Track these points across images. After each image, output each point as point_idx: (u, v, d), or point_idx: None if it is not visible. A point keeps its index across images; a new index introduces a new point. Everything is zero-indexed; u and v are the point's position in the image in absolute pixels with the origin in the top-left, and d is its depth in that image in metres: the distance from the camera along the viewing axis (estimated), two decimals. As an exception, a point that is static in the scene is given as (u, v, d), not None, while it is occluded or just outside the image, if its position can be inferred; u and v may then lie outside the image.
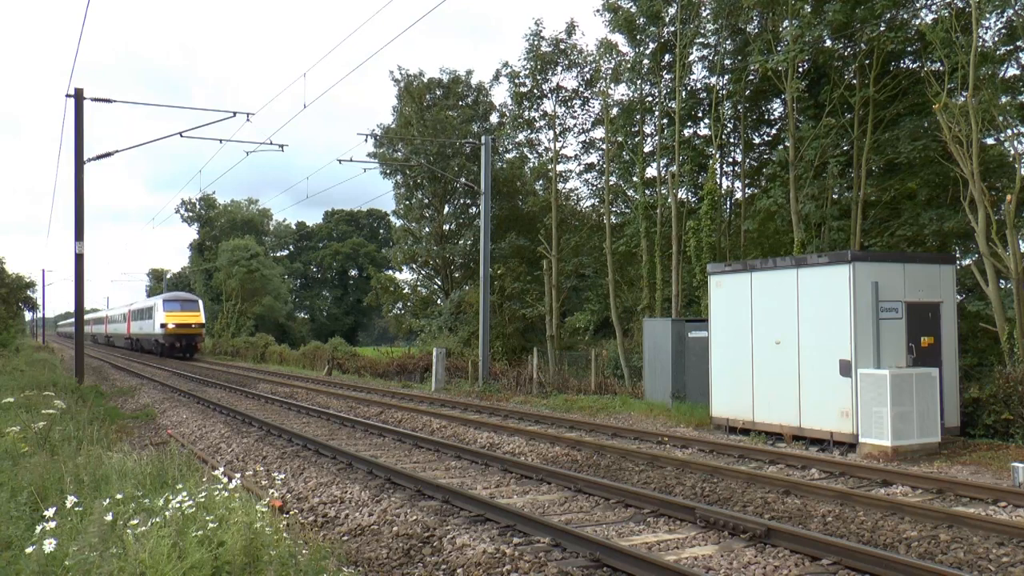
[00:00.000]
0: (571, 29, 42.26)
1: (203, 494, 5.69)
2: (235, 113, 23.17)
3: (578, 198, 46.20)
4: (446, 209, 50.51)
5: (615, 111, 39.32)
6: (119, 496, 5.58)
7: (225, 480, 6.06)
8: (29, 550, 4.47)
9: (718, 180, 31.91)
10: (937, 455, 11.65)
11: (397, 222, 56.73)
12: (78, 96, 22.58)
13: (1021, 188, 16.83)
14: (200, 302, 54.16)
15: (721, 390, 14.44)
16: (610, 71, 38.79)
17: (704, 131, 36.04)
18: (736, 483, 9.58)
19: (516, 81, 43.37)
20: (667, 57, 35.30)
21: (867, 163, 24.90)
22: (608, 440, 13.34)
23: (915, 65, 26.67)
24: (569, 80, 43.28)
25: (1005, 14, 23.53)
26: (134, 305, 66.52)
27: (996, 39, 24.55)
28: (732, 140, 33.79)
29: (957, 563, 6.56)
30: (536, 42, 42.18)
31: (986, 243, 16.90)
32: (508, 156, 48.20)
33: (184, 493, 5.53)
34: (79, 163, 22.59)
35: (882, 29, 24.97)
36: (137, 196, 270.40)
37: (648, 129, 39.11)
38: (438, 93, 50.80)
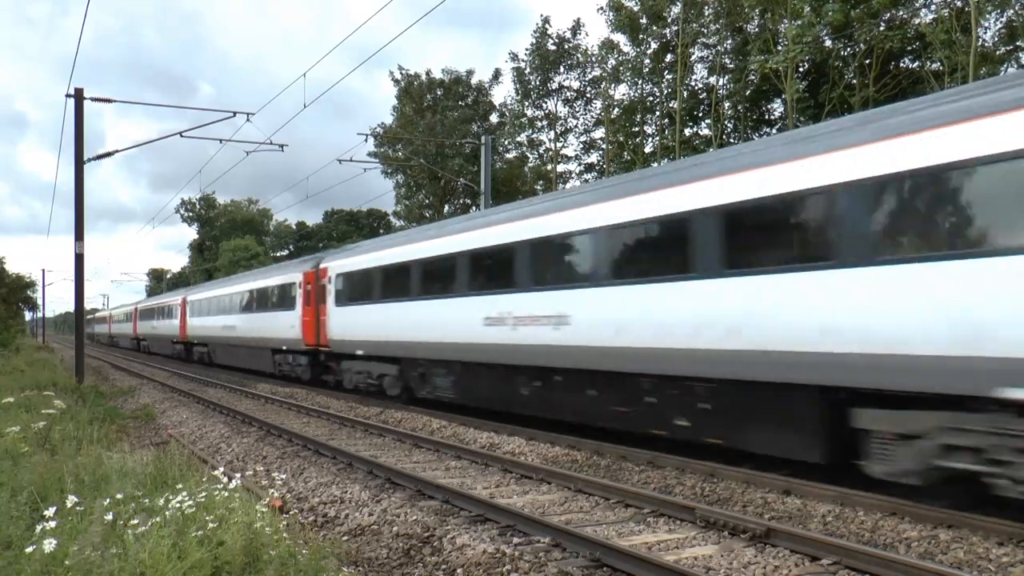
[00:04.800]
0: (576, 29, 42.37)
1: (203, 494, 5.70)
2: (235, 113, 23.17)
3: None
4: (446, 209, 50.51)
5: (616, 111, 39.29)
6: (119, 496, 5.59)
7: (225, 480, 6.07)
8: (29, 550, 4.48)
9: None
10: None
11: (397, 222, 56.77)
12: (78, 96, 22.57)
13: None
14: None
15: None
16: (612, 70, 38.78)
17: (705, 131, 36.07)
18: (736, 483, 9.58)
19: (522, 79, 43.32)
20: (668, 57, 35.31)
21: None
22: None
23: (915, 65, 26.65)
24: (572, 80, 43.37)
25: (1005, 14, 23.51)
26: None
27: (996, 39, 24.51)
28: (733, 140, 33.85)
29: (957, 563, 6.56)
30: (542, 40, 42.27)
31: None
32: (508, 156, 48.21)
33: (184, 493, 5.54)
34: (79, 163, 22.58)
35: (881, 29, 24.94)
36: (139, 196, 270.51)
37: (649, 129, 39.11)
38: (439, 93, 50.80)
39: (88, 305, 66.78)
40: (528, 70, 42.78)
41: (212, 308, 35.72)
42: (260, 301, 28.10)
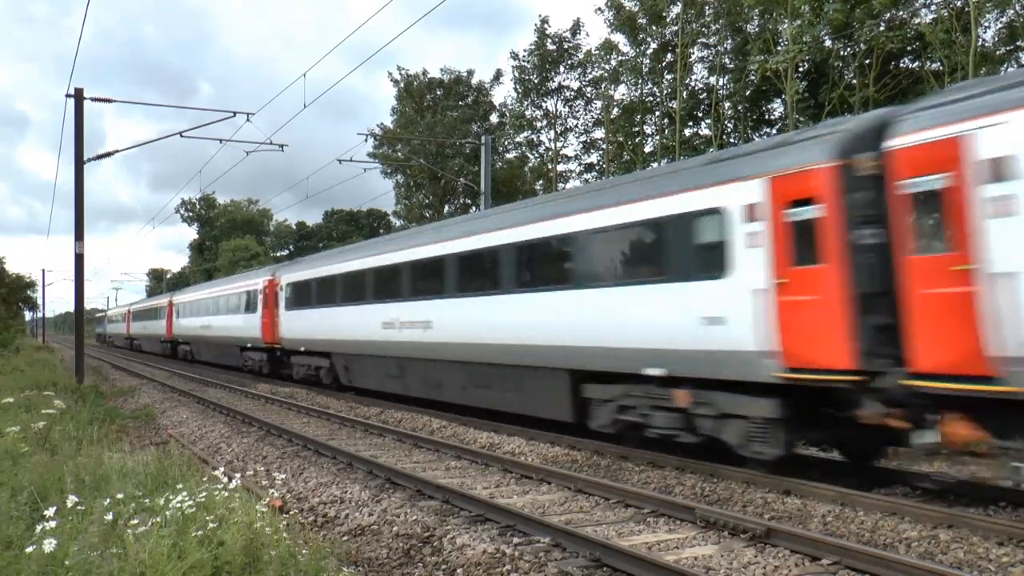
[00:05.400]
0: (576, 28, 42.41)
1: (203, 494, 5.70)
2: (235, 113, 23.17)
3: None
4: (446, 209, 50.51)
5: (616, 111, 39.30)
6: (119, 496, 5.58)
7: (225, 480, 6.07)
8: (29, 550, 4.48)
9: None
10: (937, 455, 11.63)
11: (397, 222, 56.78)
12: (78, 96, 22.57)
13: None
14: None
15: None
16: (611, 70, 38.79)
17: (705, 131, 36.08)
18: (736, 483, 9.57)
19: (523, 76, 43.34)
20: (668, 57, 35.32)
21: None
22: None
23: (915, 65, 26.68)
24: (572, 80, 43.42)
25: (1005, 14, 23.53)
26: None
27: (996, 39, 24.53)
28: (733, 140, 33.85)
29: (957, 563, 6.56)
30: (542, 40, 42.32)
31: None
32: (508, 156, 48.23)
33: (184, 493, 5.54)
34: (79, 163, 22.59)
35: (881, 29, 24.96)
36: (139, 196, 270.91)
37: (649, 129, 39.12)
38: (438, 93, 50.80)
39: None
40: (529, 67, 42.83)
41: (370, 288, 19.91)
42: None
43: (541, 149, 46.46)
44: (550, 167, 45.53)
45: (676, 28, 33.31)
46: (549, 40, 42.11)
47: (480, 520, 8.11)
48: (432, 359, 16.64)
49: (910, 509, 7.90)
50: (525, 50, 42.74)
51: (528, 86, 43.15)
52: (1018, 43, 24.02)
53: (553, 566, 6.46)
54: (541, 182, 46.62)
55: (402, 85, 50.76)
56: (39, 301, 68.74)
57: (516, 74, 43.47)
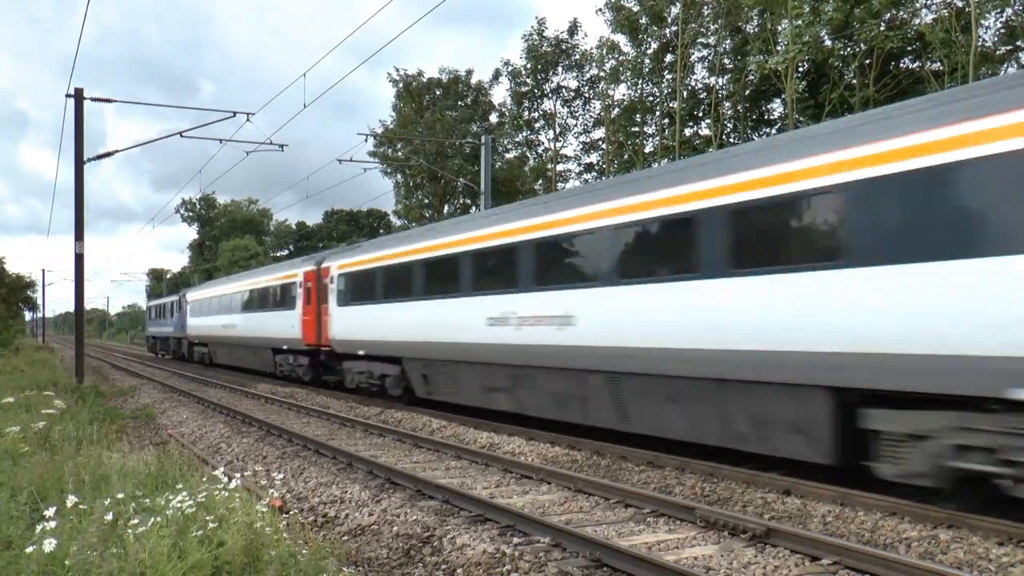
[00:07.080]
0: (573, 29, 42.32)
1: (203, 494, 5.69)
2: (235, 113, 23.15)
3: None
4: (446, 209, 50.49)
5: (616, 111, 39.27)
6: (119, 496, 5.58)
7: (225, 480, 6.07)
8: (29, 550, 4.48)
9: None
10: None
11: (397, 222, 56.74)
12: (78, 96, 22.57)
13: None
14: None
15: None
16: (611, 70, 38.75)
17: (705, 131, 36.07)
18: (736, 483, 9.58)
19: (517, 80, 43.33)
20: (668, 57, 35.31)
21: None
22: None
23: (915, 65, 26.67)
24: (570, 80, 43.33)
25: (1005, 14, 23.52)
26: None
27: (996, 39, 24.53)
28: (733, 140, 33.83)
29: (957, 563, 6.56)
30: (537, 42, 42.20)
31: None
32: (508, 156, 48.16)
33: (184, 493, 5.54)
34: (79, 163, 22.58)
35: (881, 28, 24.94)
36: (140, 196, 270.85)
37: (649, 129, 39.11)
38: (437, 93, 50.74)
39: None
40: (524, 74, 42.75)
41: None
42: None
43: (540, 149, 46.44)
44: (550, 167, 45.51)
45: (676, 28, 33.31)
46: (546, 43, 42.03)
47: (480, 520, 8.11)
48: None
49: (910, 509, 7.90)
50: (520, 57, 42.72)
51: (524, 91, 43.09)
52: (1018, 43, 24.03)
53: (553, 566, 6.47)
54: (541, 182, 46.60)
55: (401, 86, 50.73)
56: (39, 301, 68.62)
57: (511, 80, 43.45)
